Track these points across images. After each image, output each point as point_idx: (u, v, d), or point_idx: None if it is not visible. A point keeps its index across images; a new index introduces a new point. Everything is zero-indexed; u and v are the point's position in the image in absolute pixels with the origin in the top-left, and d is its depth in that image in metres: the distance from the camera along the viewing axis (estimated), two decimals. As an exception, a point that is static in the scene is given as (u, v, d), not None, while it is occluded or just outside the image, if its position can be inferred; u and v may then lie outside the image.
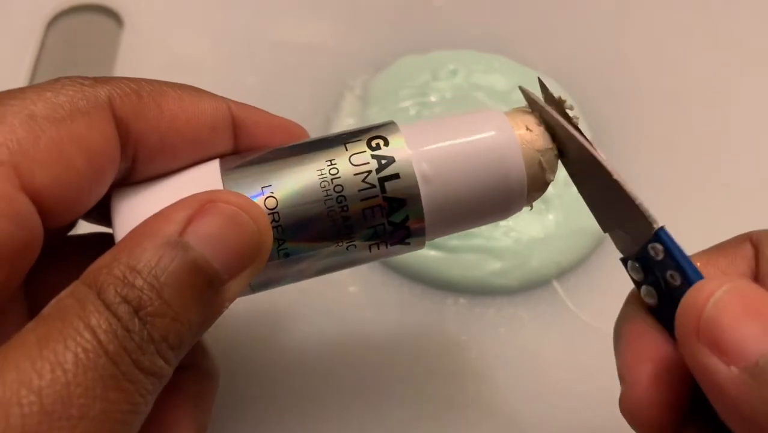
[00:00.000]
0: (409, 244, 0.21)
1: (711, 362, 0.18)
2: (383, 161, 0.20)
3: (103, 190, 0.20)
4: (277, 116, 0.23)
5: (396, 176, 0.20)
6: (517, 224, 0.32)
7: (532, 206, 0.23)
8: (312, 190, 0.20)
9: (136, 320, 0.17)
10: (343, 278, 0.32)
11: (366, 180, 0.20)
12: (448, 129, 0.21)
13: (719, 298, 0.18)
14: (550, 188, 0.33)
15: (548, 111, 0.22)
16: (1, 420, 0.15)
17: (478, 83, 0.36)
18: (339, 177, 0.20)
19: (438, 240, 0.31)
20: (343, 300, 0.31)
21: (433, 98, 0.35)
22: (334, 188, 0.20)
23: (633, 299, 0.22)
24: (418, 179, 0.20)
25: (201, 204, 0.18)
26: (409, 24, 0.40)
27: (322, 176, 0.20)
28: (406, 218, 0.21)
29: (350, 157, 0.20)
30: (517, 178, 0.21)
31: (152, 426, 0.20)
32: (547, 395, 0.30)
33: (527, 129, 0.21)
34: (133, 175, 0.21)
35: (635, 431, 0.21)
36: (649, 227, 0.20)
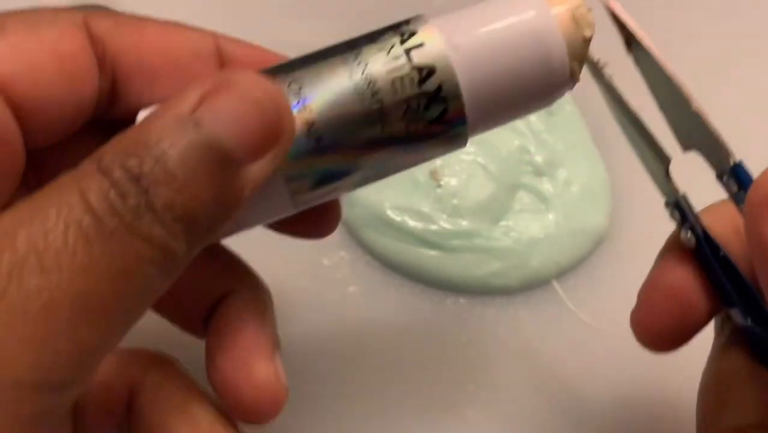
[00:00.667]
0: (448, 130, 0.20)
1: None
2: (411, 42, 0.19)
3: (86, 107, 0.19)
4: (270, 51, 0.22)
5: (421, 45, 0.19)
6: (517, 223, 0.32)
7: (578, 79, 0.21)
8: (341, 78, 0.19)
9: (134, 186, 0.16)
10: (343, 278, 0.32)
11: (395, 58, 0.19)
12: (484, 16, 0.20)
13: None
14: (550, 188, 0.33)
15: None
16: None
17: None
18: (367, 64, 0.19)
19: (438, 240, 0.32)
20: (342, 300, 0.31)
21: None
22: (364, 75, 0.19)
23: (672, 242, 0.23)
24: (448, 51, 0.19)
25: (214, 84, 0.17)
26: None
27: (349, 66, 0.19)
28: (440, 88, 0.19)
29: (378, 51, 0.19)
30: (559, 59, 0.20)
31: (229, 350, 0.20)
32: (547, 395, 0.30)
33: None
34: (116, 102, 0.20)
35: (642, 344, 0.23)
36: (726, 160, 0.21)
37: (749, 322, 0.22)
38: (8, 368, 0.14)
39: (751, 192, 0.19)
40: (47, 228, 0.15)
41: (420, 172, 0.33)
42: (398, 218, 0.32)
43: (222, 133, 0.17)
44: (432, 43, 0.19)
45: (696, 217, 0.22)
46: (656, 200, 0.25)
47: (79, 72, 0.19)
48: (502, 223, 0.32)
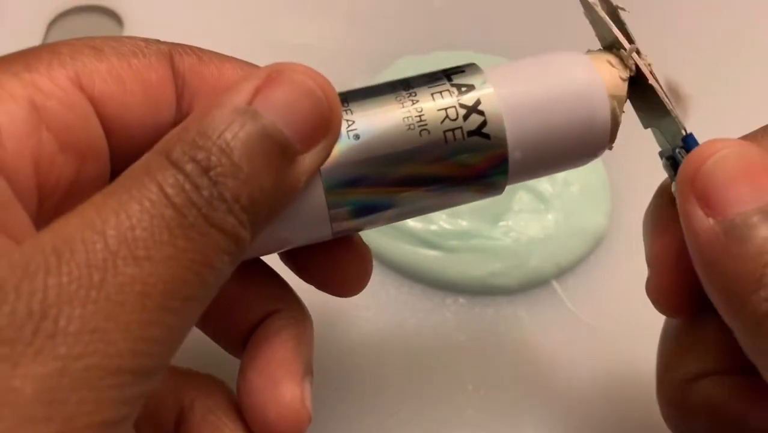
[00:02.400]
0: (489, 175, 0.21)
1: (695, 212, 0.19)
2: (467, 97, 0.20)
3: (161, 132, 0.20)
4: None
5: (473, 89, 0.20)
6: (516, 223, 0.32)
7: (611, 147, 0.22)
8: (392, 105, 0.20)
9: (206, 179, 0.16)
10: (342, 278, 0.32)
11: (447, 100, 0.20)
12: (533, 71, 0.21)
13: (722, 155, 0.19)
14: (549, 188, 0.33)
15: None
16: (65, 255, 0.15)
17: (478, 84, 0.36)
18: (419, 100, 0.20)
19: (437, 240, 0.32)
20: (342, 300, 0.31)
21: (432, 99, 0.35)
22: (415, 107, 0.20)
23: (663, 192, 0.23)
24: (499, 101, 0.20)
25: (268, 75, 0.18)
26: (408, 25, 0.40)
27: (401, 98, 0.20)
28: (488, 134, 0.20)
29: (431, 91, 0.20)
30: (602, 118, 0.21)
31: (261, 367, 0.21)
32: (547, 395, 0.30)
33: (609, 68, 0.21)
34: None
35: (660, 312, 0.23)
36: (679, 133, 0.21)
37: None
38: (112, 355, 0.15)
39: (682, 166, 0.20)
40: (133, 222, 0.16)
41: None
42: (398, 218, 0.32)
43: (279, 122, 0.17)
44: (485, 95, 0.20)
45: None
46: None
47: (161, 101, 0.20)
48: (502, 223, 0.32)
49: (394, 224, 0.32)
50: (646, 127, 0.23)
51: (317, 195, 0.19)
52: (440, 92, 0.20)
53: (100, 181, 0.20)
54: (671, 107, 0.22)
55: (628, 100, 0.22)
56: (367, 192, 0.20)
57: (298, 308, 0.23)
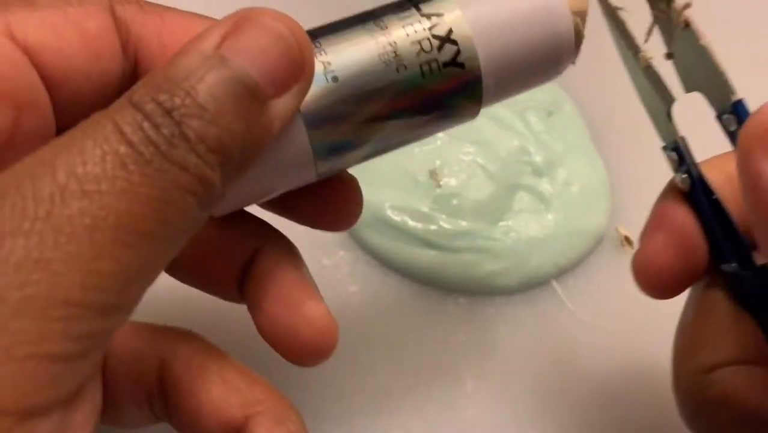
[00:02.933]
0: (464, 88, 0.21)
1: (762, 166, 0.18)
2: (434, 18, 0.20)
3: (109, 86, 0.20)
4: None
5: (441, 15, 0.20)
6: (516, 223, 0.32)
7: (575, 62, 0.23)
8: (362, 37, 0.20)
9: (167, 118, 0.16)
10: (343, 278, 0.32)
11: (417, 29, 0.20)
12: None
13: None
14: (549, 188, 0.33)
15: None
16: (11, 190, 0.15)
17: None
18: (389, 29, 0.20)
19: (438, 240, 0.32)
20: (343, 299, 0.31)
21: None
22: (385, 37, 0.20)
23: (669, 186, 0.23)
24: (473, 36, 0.20)
25: (235, 21, 0.18)
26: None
27: (371, 30, 0.20)
28: (458, 51, 0.20)
29: (401, 22, 0.20)
30: (567, 33, 0.21)
31: (276, 296, 0.21)
32: (546, 395, 0.30)
33: None
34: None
35: (641, 289, 0.23)
36: (728, 99, 0.21)
37: (734, 267, 0.22)
38: (58, 286, 0.15)
39: (745, 126, 0.19)
40: (85, 157, 0.15)
41: (420, 172, 0.33)
42: (398, 218, 0.32)
43: (248, 67, 0.17)
44: (456, 23, 0.20)
45: (693, 159, 0.23)
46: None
47: (103, 50, 0.19)
48: (502, 223, 0.32)
49: (394, 224, 0.32)
50: (687, 91, 0.23)
51: (300, 138, 0.19)
52: (411, 24, 0.20)
53: (43, 131, 0.19)
54: (723, 69, 0.21)
55: (671, 60, 0.22)
56: (349, 130, 0.20)
57: (282, 239, 0.23)
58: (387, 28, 0.20)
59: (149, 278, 0.17)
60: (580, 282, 0.33)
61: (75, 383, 0.16)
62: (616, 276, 0.33)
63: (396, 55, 0.20)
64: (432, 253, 0.32)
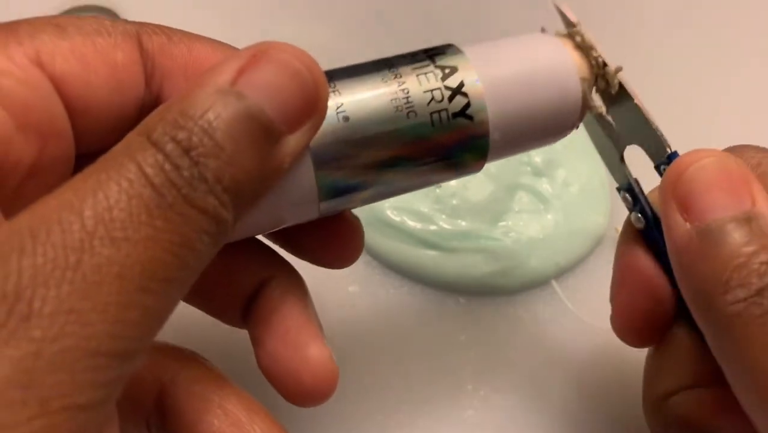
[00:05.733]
0: (470, 142, 0.21)
1: (674, 217, 0.20)
2: (450, 78, 0.21)
3: (129, 117, 0.20)
4: None
5: (455, 71, 0.21)
6: (516, 224, 0.32)
7: (578, 127, 0.23)
8: (376, 82, 0.20)
9: (186, 159, 0.16)
10: (343, 278, 0.32)
11: (430, 79, 0.21)
12: (511, 52, 0.22)
13: (703, 164, 0.20)
14: (549, 188, 0.33)
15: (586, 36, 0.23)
16: (41, 236, 0.15)
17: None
18: (403, 76, 0.21)
19: (437, 240, 0.32)
20: (342, 299, 0.31)
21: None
22: (399, 85, 0.20)
23: (627, 226, 0.24)
24: (484, 91, 0.21)
25: (252, 54, 0.18)
26: (407, 26, 0.40)
27: (385, 77, 0.21)
28: (468, 104, 0.21)
29: (414, 71, 0.21)
30: (574, 97, 0.22)
31: (280, 334, 0.21)
32: (546, 394, 0.30)
33: (578, 52, 0.23)
34: None
35: (628, 344, 0.24)
36: (663, 150, 0.23)
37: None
38: (89, 337, 0.15)
39: (666, 174, 0.21)
40: (111, 203, 0.15)
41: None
42: (398, 219, 0.32)
43: (264, 104, 0.17)
44: (468, 77, 0.21)
45: (646, 199, 0.23)
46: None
47: (127, 82, 0.19)
48: (501, 223, 0.32)
49: (393, 224, 0.32)
50: (627, 144, 0.24)
51: (307, 175, 0.19)
52: (425, 74, 0.21)
53: (64, 162, 0.19)
54: (656, 125, 0.23)
55: (608, 117, 0.24)
56: (355, 172, 0.20)
57: (291, 271, 0.23)
58: (401, 76, 0.21)
59: (165, 319, 0.17)
60: (579, 282, 0.33)
61: (98, 427, 0.16)
62: (616, 276, 0.33)
63: (408, 101, 0.20)
64: (432, 253, 0.32)
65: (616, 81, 0.23)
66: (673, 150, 0.22)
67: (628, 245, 0.24)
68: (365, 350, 0.30)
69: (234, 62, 0.17)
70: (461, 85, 0.21)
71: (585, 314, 0.32)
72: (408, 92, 0.20)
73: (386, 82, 0.20)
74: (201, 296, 0.23)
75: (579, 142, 0.35)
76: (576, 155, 0.35)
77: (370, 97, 0.20)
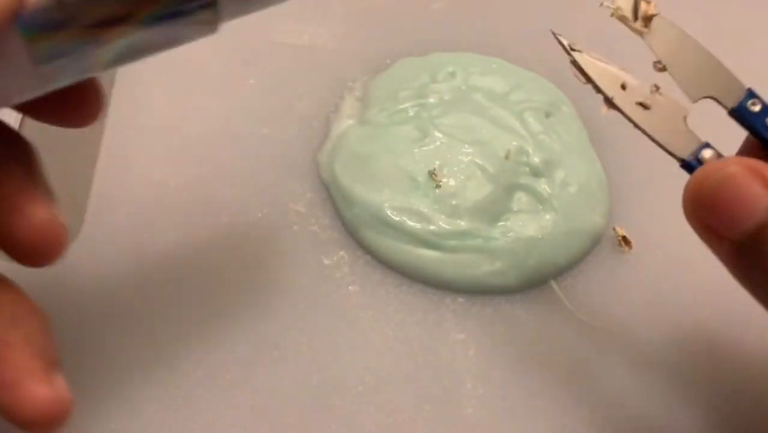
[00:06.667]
0: (199, 9, 0.20)
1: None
2: None
3: None
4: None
5: None
6: (514, 224, 0.33)
7: None
8: None
9: None
10: (343, 278, 0.32)
11: None
12: None
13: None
14: (548, 189, 0.34)
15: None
16: None
17: (477, 85, 0.36)
18: None
19: (436, 240, 0.32)
20: (342, 299, 0.32)
21: (431, 100, 0.35)
22: None
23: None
24: None
25: None
26: (407, 26, 0.40)
27: None
28: None
29: None
30: None
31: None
32: (545, 394, 0.30)
33: None
34: None
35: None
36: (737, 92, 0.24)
37: None
38: None
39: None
40: None
41: (419, 172, 0.33)
42: (397, 218, 0.32)
43: None
44: None
45: None
46: (653, 200, 0.26)
47: None
48: (500, 223, 0.33)
49: (393, 224, 0.32)
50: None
51: (15, 44, 0.18)
52: None
53: None
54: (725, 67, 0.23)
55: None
56: (73, 36, 0.19)
57: (14, 137, 0.22)
58: None
59: None
60: (578, 282, 0.33)
61: None
62: (615, 276, 0.33)
63: None
64: (431, 253, 0.32)
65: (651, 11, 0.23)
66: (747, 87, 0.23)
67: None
68: (365, 349, 0.30)
69: None
70: None
71: (583, 313, 0.32)
72: None
73: None
74: None
75: (577, 142, 0.36)
76: (575, 156, 0.35)
77: None
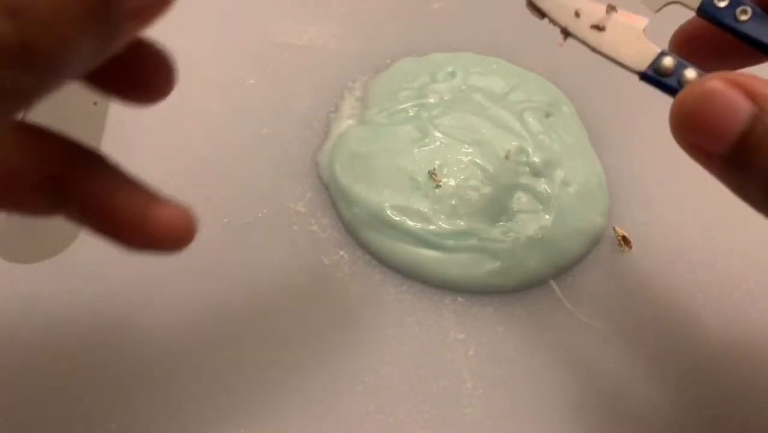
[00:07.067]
0: None
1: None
2: None
3: None
4: None
5: None
6: (514, 224, 0.33)
7: None
8: None
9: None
10: (343, 278, 0.32)
11: None
12: None
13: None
14: (547, 189, 0.34)
15: None
16: None
17: (476, 85, 0.36)
18: None
19: (436, 240, 0.32)
20: (342, 299, 0.32)
21: (431, 100, 0.36)
22: None
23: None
24: None
25: None
26: (407, 26, 0.40)
27: None
28: None
29: None
30: None
31: (124, 198, 0.20)
32: (544, 393, 0.30)
33: None
34: None
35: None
36: None
37: None
38: None
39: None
40: None
41: (419, 173, 0.33)
42: (397, 218, 0.32)
43: None
44: None
45: None
46: (653, 200, 0.26)
47: None
48: (500, 223, 0.33)
49: (393, 224, 0.32)
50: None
51: None
52: None
53: None
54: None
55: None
56: None
57: (92, 151, 0.22)
58: None
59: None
60: (578, 282, 0.33)
61: None
62: (614, 276, 0.33)
63: None
64: (431, 253, 0.32)
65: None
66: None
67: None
68: (365, 348, 0.31)
69: None
70: None
71: (583, 313, 0.32)
72: None
73: None
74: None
75: (577, 143, 0.36)
76: (574, 156, 0.35)
77: None
